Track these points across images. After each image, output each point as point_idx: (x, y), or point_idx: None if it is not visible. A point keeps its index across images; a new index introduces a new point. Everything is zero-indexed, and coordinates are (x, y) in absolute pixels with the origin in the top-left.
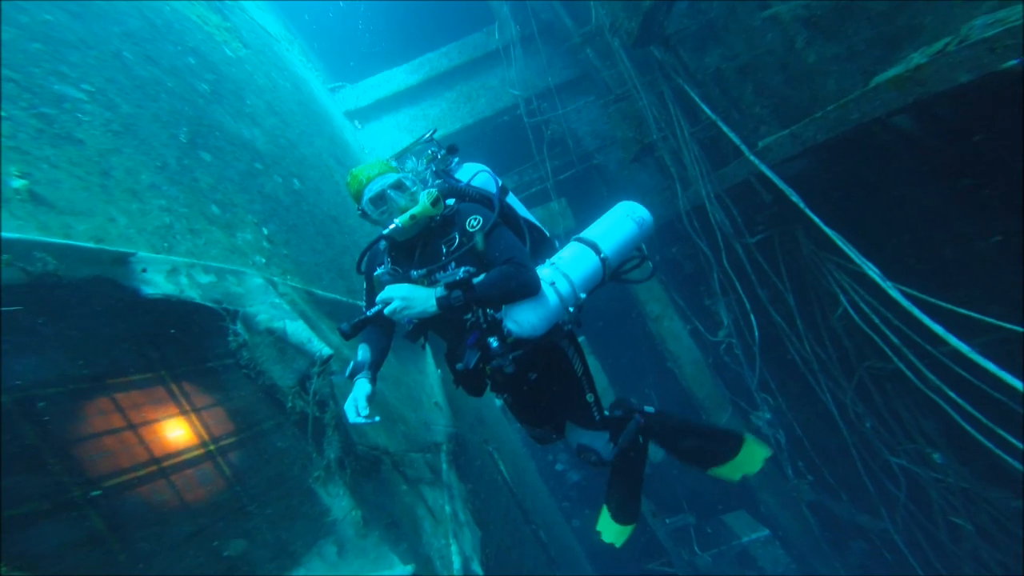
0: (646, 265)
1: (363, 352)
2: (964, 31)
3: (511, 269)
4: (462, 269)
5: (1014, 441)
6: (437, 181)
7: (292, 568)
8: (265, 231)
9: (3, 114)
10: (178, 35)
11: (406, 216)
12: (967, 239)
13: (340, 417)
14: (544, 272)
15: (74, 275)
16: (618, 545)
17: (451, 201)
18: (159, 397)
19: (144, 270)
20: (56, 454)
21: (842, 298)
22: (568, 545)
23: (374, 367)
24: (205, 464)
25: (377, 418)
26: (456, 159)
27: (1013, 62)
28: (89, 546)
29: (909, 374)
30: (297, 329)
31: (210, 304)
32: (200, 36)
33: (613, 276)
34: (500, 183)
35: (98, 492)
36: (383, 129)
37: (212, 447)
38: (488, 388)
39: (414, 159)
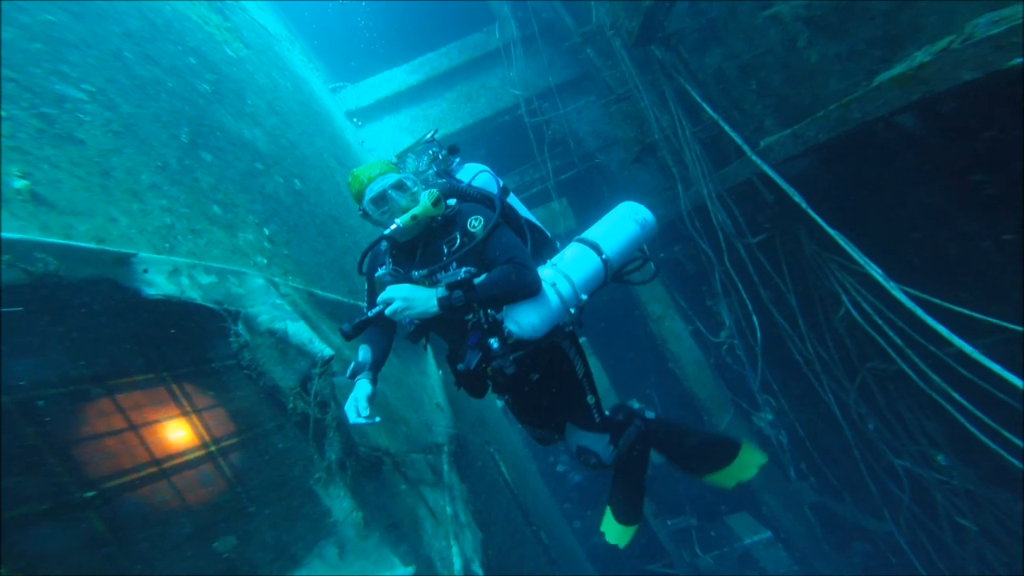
0: (648, 266)
1: (364, 353)
2: (968, 29)
3: (512, 269)
4: (463, 269)
5: (1018, 442)
6: (440, 181)
7: (293, 569)
8: (266, 231)
9: (4, 114)
10: (179, 35)
11: (407, 216)
12: (971, 238)
13: (341, 418)
14: (545, 273)
15: (75, 276)
16: (622, 546)
17: (452, 201)
18: (160, 398)
19: (145, 271)
20: (56, 455)
21: (844, 298)
22: (569, 547)
23: (375, 368)
24: (206, 465)
25: (378, 419)
26: (457, 160)
27: (1018, 60)
28: (90, 547)
29: (912, 375)
30: (298, 330)
31: (211, 305)
32: (201, 36)
33: (615, 277)
34: (501, 184)
35: (92, 493)
36: (384, 129)
37: (213, 448)
38: (489, 389)
39: (414, 157)
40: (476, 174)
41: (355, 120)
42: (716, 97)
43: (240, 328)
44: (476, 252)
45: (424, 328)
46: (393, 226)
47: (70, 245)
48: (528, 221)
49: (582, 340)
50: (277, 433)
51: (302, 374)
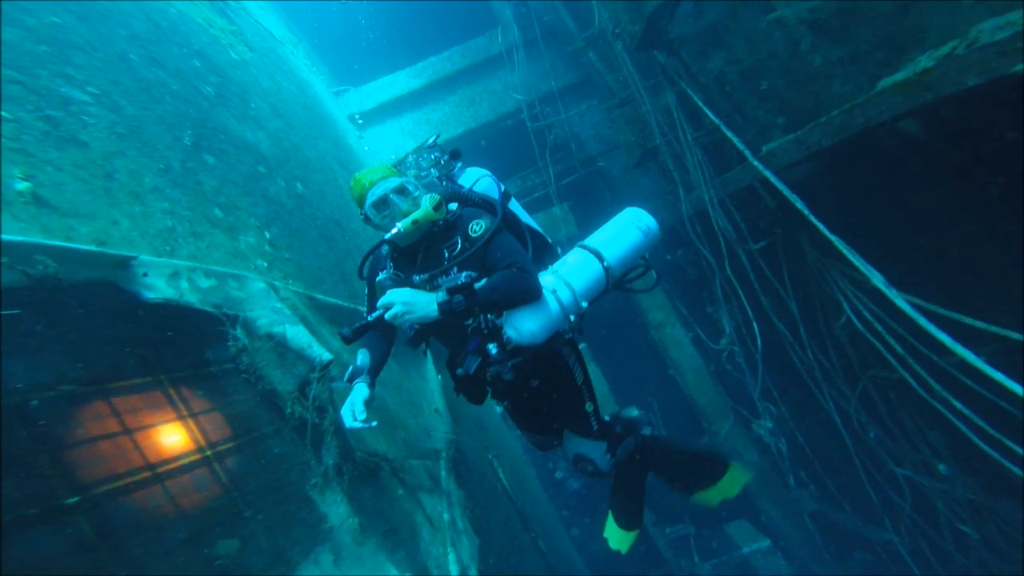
0: (650, 274)
1: (362, 357)
2: (972, 34)
3: (513, 274)
4: (464, 274)
5: (1019, 450)
6: (444, 183)
7: (288, 574)
8: (267, 235)
9: (10, 117)
10: (184, 37)
11: (408, 220)
12: (974, 242)
13: (339, 423)
14: (546, 279)
15: (74, 278)
16: (624, 551)
17: (454, 206)
18: (157, 402)
19: (145, 274)
20: (48, 458)
21: (846, 306)
22: (567, 554)
23: (373, 372)
24: (201, 469)
25: (374, 423)
26: (459, 164)
27: (1022, 65)
28: (78, 552)
29: (914, 384)
30: (297, 334)
31: (209, 309)
32: (206, 39)
33: (617, 285)
34: (503, 189)
35: (76, 499)
36: (387, 133)
37: (209, 452)
38: (489, 395)
39: (413, 156)
40: (478, 179)
41: (357, 118)
42: (718, 101)
43: (239, 332)
44: (477, 257)
45: (424, 333)
46: (394, 230)
47: (70, 247)
48: (529, 227)
49: (582, 346)
50: (274, 438)
51: (301, 378)
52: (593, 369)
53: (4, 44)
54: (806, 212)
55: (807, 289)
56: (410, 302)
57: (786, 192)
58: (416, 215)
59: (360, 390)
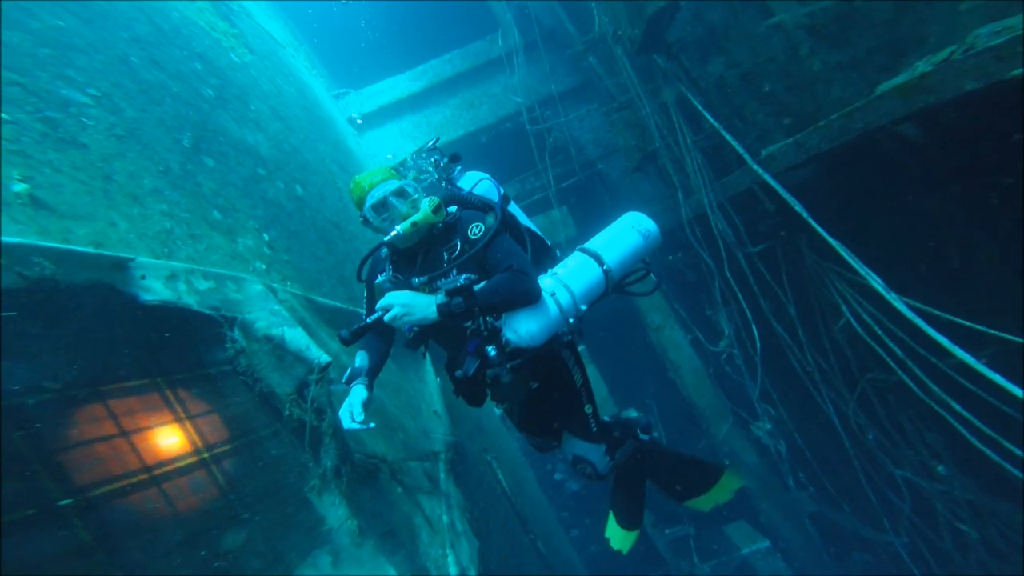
0: (649, 278)
1: (361, 359)
2: (970, 39)
3: (512, 276)
4: (463, 276)
5: (1018, 452)
6: (445, 185)
7: None
8: (266, 237)
9: (8, 118)
10: (185, 40)
11: (407, 223)
12: (974, 245)
13: (337, 425)
14: (545, 282)
15: (72, 280)
16: (625, 551)
17: (453, 208)
18: (153, 404)
19: (143, 276)
20: (43, 460)
21: (844, 309)
22: (567, 556)
23: (372, 374)
24: (198, 472)
25: (372, 424)
26: (459, 167)
27: (1020, 71)
28: (74, 556)
29: (913, 386)
30: (296, 336)
31: (207, 311)
32: (207, 42)
33: (616, 288)
34: (502, 192)
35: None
36: (387, 135)
37: (206, 455)
38: (488, 397)
39: (412, 159)
40: (477, 182)
41: (356, 120)
42: (717, 106)
43: (236, 334)
44: (476, 259)
45: (423, 335)
46: (393, 232)
47: (67, 249)
48: (528, 229)
49: (581, 348)
50: (272, 440)
51: (299, 380)
52: (592, 371)
53: (4, 46)
54: (805, 215)
55: (806, 292)
56: (409, 304)
57: (786, 195)
58: (415, 218)
59: (358, 391)
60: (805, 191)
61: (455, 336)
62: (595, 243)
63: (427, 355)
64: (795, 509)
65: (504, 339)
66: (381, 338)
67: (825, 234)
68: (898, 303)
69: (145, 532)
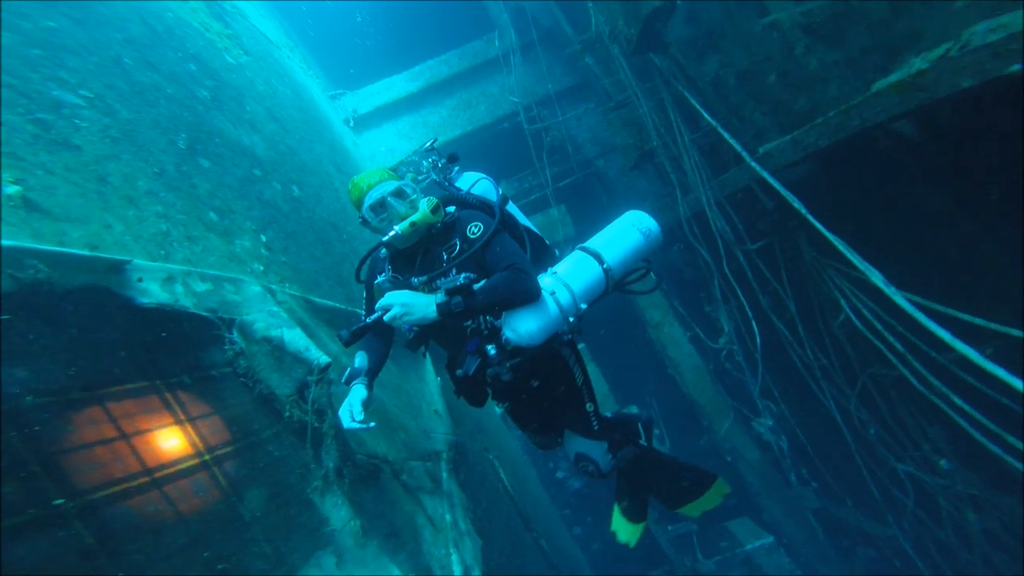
0: (650, 276)
1: (360, 359)
2: (966, 36)
3: (512, 275)
4: (463, 275)
5: (1019, 444)
6: (445, 183)
7: None
8: (263, 238)
9: None
10: (179, 41)
11: (406, 223)
12: (973, 241)
13: (339, 426)
14: (545, 281)
15: (67, 283)
16: (632, 544)
17: (452, 208)
18: (153, 406)
19: (140, 279)
20: (43, 463)
21: (844, 304)
22: (570, 553)
23: (371, 374)
24: (200, 474)
25: (372, 423)
26: (456, 168)
27: (1016, 67)
28: (77, 558)
29: (914, 381)
30: (295, 337)
31: (204, 313)
32: (201, 43)
33: (617, 287)
34: (501, 191)
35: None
36: (384, 136)
37: (207, 457)
38: (489, 397)
39: (410, 160)
40: (475, 182)
41: (350, 122)
42: (715, 104)
43: (235, 336)
44: (476, 259)
45: (423, 336)
46: (392, 233)
47: (62, 252)
48: (527, 229)
49: (580, 346)
50: (273, 441)
51: (299, 382)
52: (592, 369)
53: None
54: (804, 211)
55: (805, 288)
56: (409, 304)
57: (783, 192)
58: (414, 218)
59: (358, 391)
60: (802, 188)
61: (455, 335)
62: (595, 242)
63: (427, 355)
64: (798, 505)
65: (504, 338)
66: (381, 338)
67: (822, 227)
68: (898, 297)
69: (147, 535)
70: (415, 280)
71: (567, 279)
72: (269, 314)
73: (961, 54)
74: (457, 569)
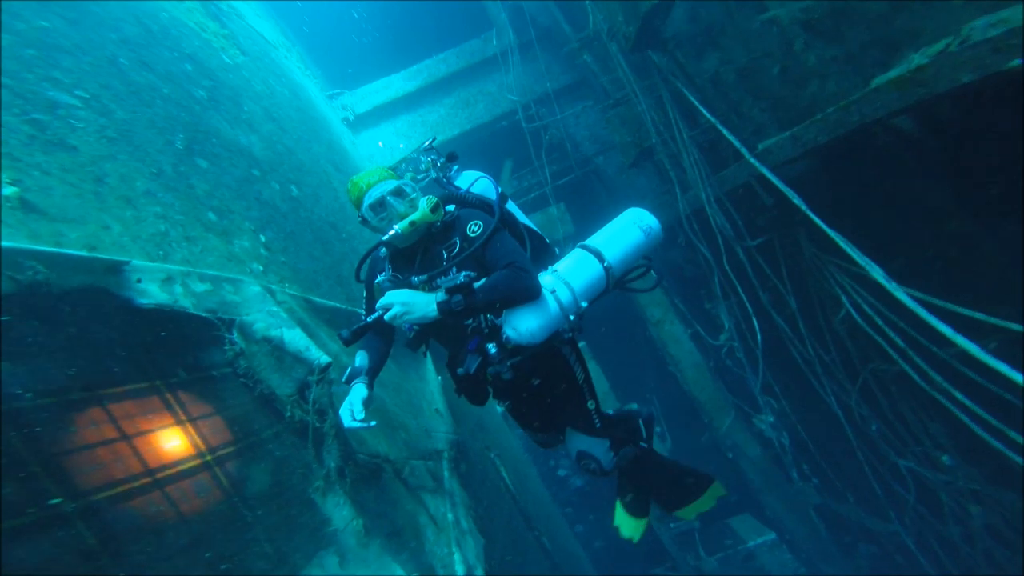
0: (651, 274)
1: (361, 358)
2: (965, 31)
3: (512, 273)
4: (463, 274)
5: (1019, 439)
6: (445, 181)
7: None
8: (262, 238)
9: None
10: (175, 41)
11: (405, 222)
12: (972, 238)
13: (339, 425)
14: (545, 279)
15: (66, 284)
16: (636, 539)
17: (451, 207)
18: (154, 407)
19: (139, 280)
20: (43, 464)
21: (844, 300)
22: (572, 551)
23: (372, 373)
24: (202, 475)
25: (373, 422)
26: (456, 167)
27: (1017, 62)
28: (79, 559)
29: (915, 376)
30: (295, 337)
31: (203, 314)
32: (197, 43)
33: (617, 285)
34: (500, 190)
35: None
36: (382, 135)
37: (209, 457)
38: (490, 395)
39: (409, 159)
40: (475, 180)
41: (349, 118)
42: (714, 101)
43: (235, 336)
44: (476, 257)
45: (424, 335)
46: (392, 232)
47: (60, 253)
48: (527, 227)
49: (581, 345)
50: (274, 441)
51: (299, 382)
52: (592, 367)
53: None
54: (803, 207)
55: (805, 284)
56: (409, 302)
57: (784, 189)
58: (413, 217)
59: (358, 390)
60: (802, 184)
61: (456, 334)
62: (596, 240)
63: (428, 354)
64: (799, 501)
65: (505, 336)
66: (381, 337)
67: (822, 224)
68: (899, 293)
69: (149, 535)
70: (415, 279)
71: (567, 277)
72: (269, 314)
73: (961, 49)
74: (460, 568)
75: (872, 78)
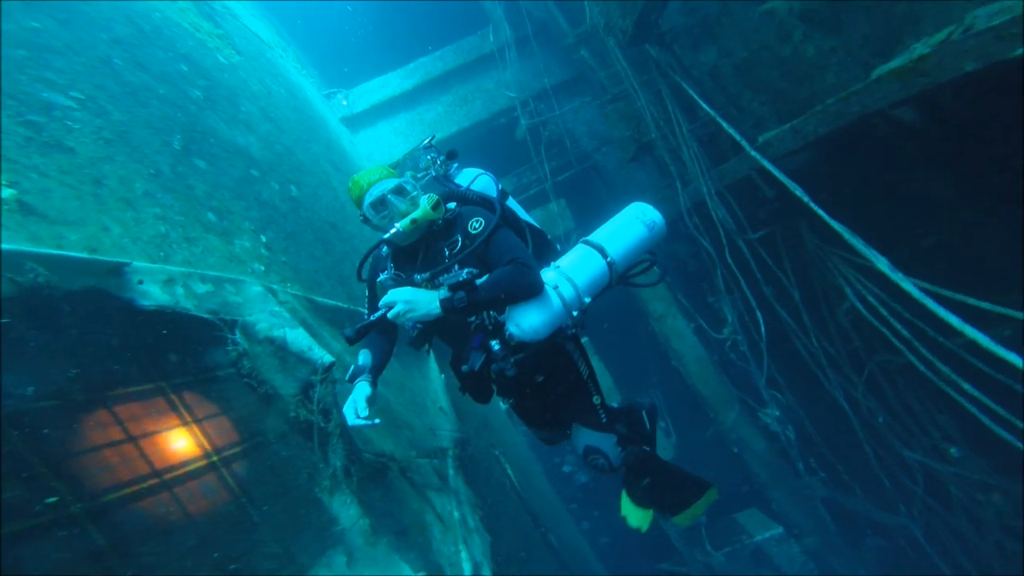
0: (654, 269)
1: (364, 357)
2: (968, 20)
3: (514, 269)
4: (465, 271)
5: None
6: (445, 179)
7: None
8: (263, 238)
9: None
10: (168, 41)
11: (407, 220)
12: (975, 230)
13: (344, 424)
14: (548, 275)
15: (67, 286)
16: (644, 529)
17: (452, 205)
18: (159, 408)
19: (140, 281)
20: (49, 465)
21: (848, 291)
22: (578, 548)
23: (375, 371)
24: (209, 475)
25: (377, 420)
26: (456, 164)
27: (1021, 50)
28: (88, 560)
29: (921, 367)
30: (298, 337)
31: (206, 315)
32: (192, 43)
33: (621, 280)
34: (500, 187)
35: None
36: (380, 134)
37: (215, 458)
38: (494, 393)
39: (409, 158)
40: (475, 177)
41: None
42: (712, 94)
43: (238, 337)
44: (478, 254)
45: (427, 333)
46: (393, 230)
47: (61, 255)
48: (528, 223)
49: (584, 340)
50: (280, 442)
51: (303, 382)
52: (596, 362)
53: None
54: (806, 199)
55: (808, 276)
56: (412, 300)
57: (784, 180)
58: (415, 215)
59: (362, 388)
60: (802, 176)
61: (459, 332)
62: (599, 235)
63: (431, 352)
64: (806, 495)
65: (508, 333)
66: (384, 336)
67: (825, 216)
68: (905, 283)
69: (158, 536)
70: (417, 277)
71: (570, 273)
72: (271, 314)
73: (964, 38)
74: (467, 566)
75: (872, 69)
